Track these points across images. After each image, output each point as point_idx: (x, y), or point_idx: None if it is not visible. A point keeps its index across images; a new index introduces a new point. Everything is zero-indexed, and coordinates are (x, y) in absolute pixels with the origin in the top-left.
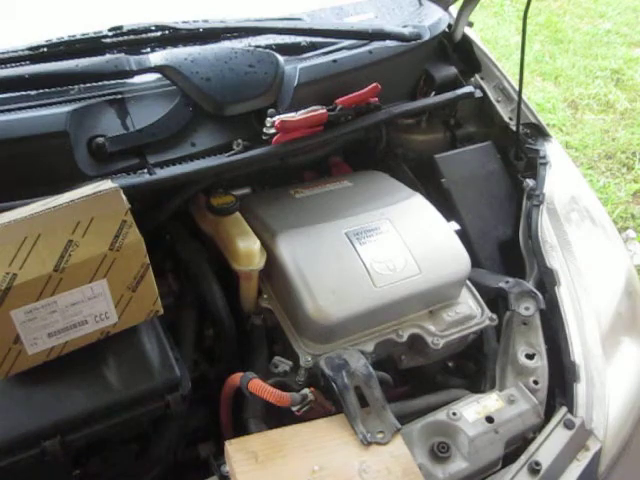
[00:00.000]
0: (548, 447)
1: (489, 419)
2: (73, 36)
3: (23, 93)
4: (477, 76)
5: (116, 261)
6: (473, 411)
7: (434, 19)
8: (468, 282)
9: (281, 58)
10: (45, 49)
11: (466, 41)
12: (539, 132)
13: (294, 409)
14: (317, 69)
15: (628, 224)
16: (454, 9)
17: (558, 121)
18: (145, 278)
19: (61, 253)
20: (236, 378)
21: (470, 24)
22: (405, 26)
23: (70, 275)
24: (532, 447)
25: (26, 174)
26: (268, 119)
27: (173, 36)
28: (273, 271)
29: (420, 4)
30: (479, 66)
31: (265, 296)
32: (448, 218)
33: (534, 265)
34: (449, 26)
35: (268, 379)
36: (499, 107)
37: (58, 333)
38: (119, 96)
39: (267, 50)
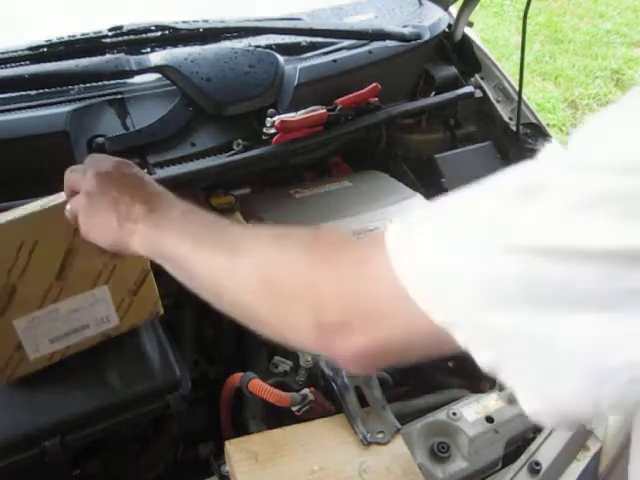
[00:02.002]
0: (548, 447)
1: (489, 419)
2: (73, 36)
3: (23, 93)
4: (477, 76)
5: (117, 267)
6: (473, 411)
7: (434, 19)
8: None
9: (281, 58)
10: (45, 49)
11: (466, 41)
12: (539, 132)
13: (294, 409)
14: (317, 69)
15: None
16: (454, 9)
17: (558, 121)
18: (146, 281)
19: (62, 261)
20: (236, 378)
21: (470, 24)
22: (405, 26)
23: (72, 283)
24: (532, 447)
25: (26, 174)
26: (268, 119)
27: (173, 36)
28: None
29: (420, 4)
30: (479, 66)
31: None
32: None
33: None
34: (449, 26)
35: (268, 379)
36: (499, 107)
37: (60, 338)
38: (119, 96)
39: (267, 50)
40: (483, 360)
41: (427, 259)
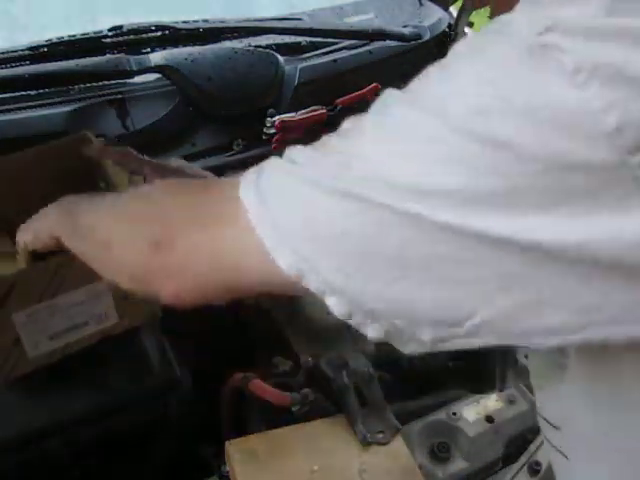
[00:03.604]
0: (548, 447)
1: (489, 419)
2: (73, 36)
3: (23, 93)
4: None
5: None
6: (473, 411)
7: (434, 19)
8: None
9: (281, 58)
10: (45, 49)
11: None
12: None
13: (294, 409)
14: (317, 69)
15: None
16: (454, 9)
17: None
18: None
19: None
20: (236, 378)
21: (470, 24)
22: (405, 26)
23: (72, 276)
24: (532, 447)
25: None
26: (268, 119)
27: (173, 36)
28: None
29: (420, 4)
30: None
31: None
32: None
33: None
34: (449, 26)
35: (268, 379)
36: None
37: (59, 335)
38: (119, 96)
39: (267, 50)
40: (283, 264)
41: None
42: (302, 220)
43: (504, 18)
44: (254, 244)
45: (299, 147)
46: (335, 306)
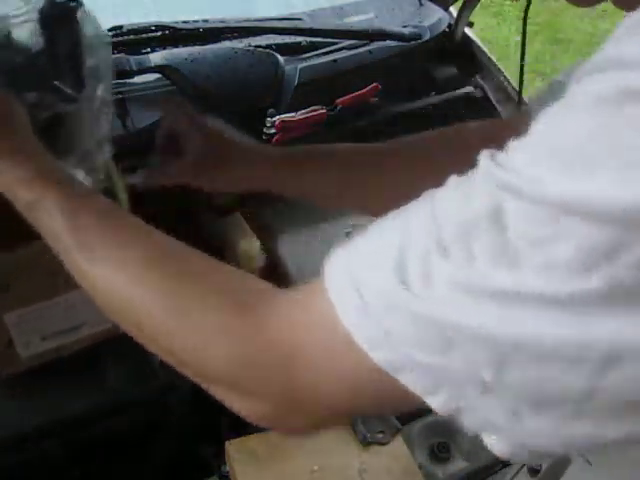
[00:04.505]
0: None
1: None
2: None
3: None
4: (477, 76)
5: None
6: None
7: (434, 19)
8: None
9: (281, 58)
10: None
11: (466, 41)
12: None
13: None
14: (317, 69)
15: None
16: (454, 9)
17: None
18: None
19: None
20: None
21: (470, 24)
22: (405, 26)
23: (68, 277)
24: None
25: None
26: (268, 119)
27: (173, 36)
28: (273, 271)
29: (420, 4)
30: (479, 66)
31: None
32: None
33: None
34: (449, 26)
35: None
36: (499, 107)
37: (52, 336)
38: (119, 96)
39: (267, 50)
40: (436, 404)
41: (371, 294)
42: (452, 364)
43: None
44: (398, 390)
45: (411, 263)
46: (495, 445)
